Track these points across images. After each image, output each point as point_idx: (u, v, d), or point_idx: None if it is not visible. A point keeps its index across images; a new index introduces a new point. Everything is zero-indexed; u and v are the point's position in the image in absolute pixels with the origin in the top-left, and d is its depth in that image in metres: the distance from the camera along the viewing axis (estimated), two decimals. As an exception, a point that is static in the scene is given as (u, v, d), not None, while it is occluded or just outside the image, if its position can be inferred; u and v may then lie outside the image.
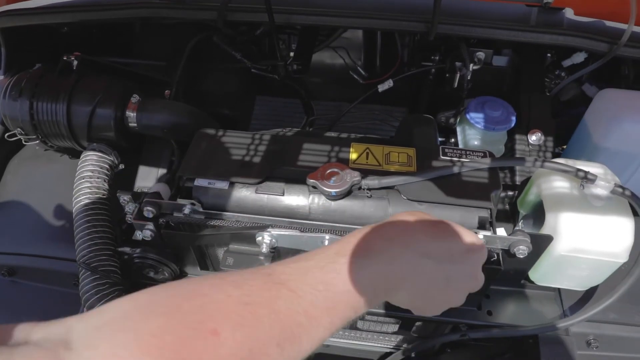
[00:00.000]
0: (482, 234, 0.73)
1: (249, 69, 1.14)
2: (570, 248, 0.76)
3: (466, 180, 0.76)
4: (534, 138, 0.97)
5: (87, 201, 0.88)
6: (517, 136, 0.99)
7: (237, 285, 0.43)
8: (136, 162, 1.02)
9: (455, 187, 0.75)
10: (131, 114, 0.94)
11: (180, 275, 0.87)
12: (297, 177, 0.76)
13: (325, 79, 1.36)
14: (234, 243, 0.78)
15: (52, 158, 1.10)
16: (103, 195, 0.90)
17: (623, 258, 0.76)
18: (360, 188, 0.75)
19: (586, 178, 0.76)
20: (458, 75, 0.98)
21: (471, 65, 0.96)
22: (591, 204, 0.76)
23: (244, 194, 0.77)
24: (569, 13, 0.91)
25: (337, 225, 0.76)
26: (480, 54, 1.00)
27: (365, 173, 0.76)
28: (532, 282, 0.85)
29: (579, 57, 1.07)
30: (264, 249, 0.74)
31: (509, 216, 0.96)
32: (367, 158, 0.79)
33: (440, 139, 1.04)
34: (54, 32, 1.16)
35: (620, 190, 0.74)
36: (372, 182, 0.74)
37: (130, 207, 0.80)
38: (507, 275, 0.87)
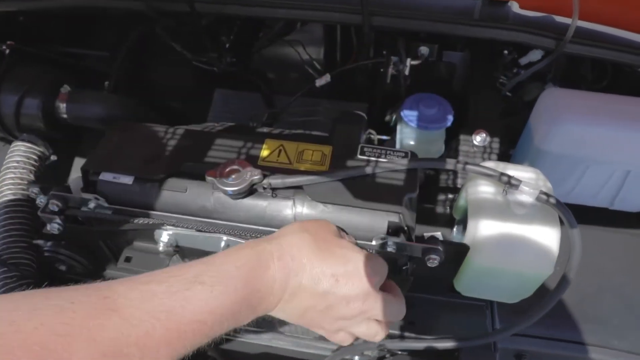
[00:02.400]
0: (390, 240, 0.68)
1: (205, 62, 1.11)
2: (489, 259, 0.71)
3: (379, 182, 0.72)
4: (479, 139, 0.92)
5: (8, 192, 0.87)
6: (462, 136, 0.94)
7: (59, 310, 0.39)
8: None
9: (367, 189, 0.71)
10: (61, 105, 0.92)
11: (96, 271, 0.85)
12: (201, 174, 0.73)
13: (289, 73, 1.32)
14: (136, 240, 0.76)
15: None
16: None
17: (547, 271, 0.71)
18: (264, 188, 0.71)
19: (509, 183, 0.70)
20: (390, 70, 0.93)
21: (409, 60, 0.91)
22: (514, 212, 0.71)
23: (148, 189, 0.74)
24: (514, 7, 0.85)
25: (239, 225, 0.72)
26: (424, 49, 0.94)
27: (273, 171, 0.72)
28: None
29: (535, 55, 1.01)
30: (161, 247, 0.71)
31: (452, 221, 0.91)
32: (278, 155, 0.75)
33: (384, 138, 1.00)
34: (11, 20, 1.16)
35: (544, 197, 0.69)
36: (275, 181, 0.70)
37: (41, 200, 0.79)
38: (431, 284, 0.82)
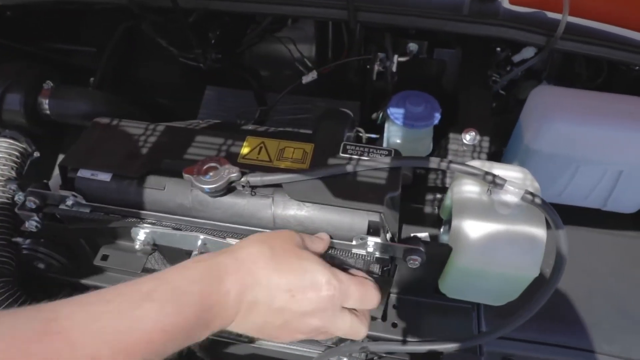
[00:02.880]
0: (370, 240, 0.67)
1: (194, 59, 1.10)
2: (472, 260, 0.69)
3: (361, 181, 0.70)
4: (468, 137, 0.90)
5: (-12, 189, 0.86)
6: (452, 135, 0.92)
7: None
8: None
9: (347, 188, 0.69)
10: (44, 101, 0.91)
11: (75, 270, 0.83)
12: (180, 172, 0.71)
13: (281, 70, 1.31)
14: (114, 238, 0.74)
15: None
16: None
17: (533, 272, 0.69)
18: (243, 186, 0.70)
19: (494, 182, 0.68)
20: (376, 66, 0.91)
21: (396, 56, 0.89)
22: (498, 212, 0.69)
23: (125, 187, 0.73)
24: (504, 2, 0.83)
25: (217, 223, 0.71)
26: (412, 46, 0.92)
27: (253, 169, 0.71)
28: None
29: (528, 52, 0.99)
30: (138, 245, 0.70)
31: (441, 222, 0.89)
32: (259, 153, 0.74)
33: (373, 137, 0.98)
34: (-1, 16, 1.15)
35: (530, 197, 0.67)
36: (254, 179, 0.69)
37: (19, 197, 0.78)
38: (415, 285, 0.80)
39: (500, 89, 1.06)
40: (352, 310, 0.56)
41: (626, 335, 0.80)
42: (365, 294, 0.56)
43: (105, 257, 0.73)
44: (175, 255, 0.73)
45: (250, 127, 0.90)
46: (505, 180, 0.68)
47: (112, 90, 1.02)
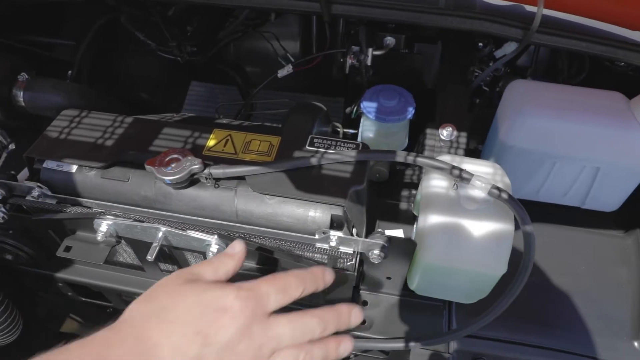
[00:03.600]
0: (333, 234, 0.66)
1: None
2: (437, 256, 0.68)
3: (325, 174, 0.69)
4: (445, 133, 0.88)
5: (-39, 180, 0.85)
6: (429, 130, 0.91)
7: None
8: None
9: (311, 181, 0.68)
10: (19, 93, 0.91)
11: (42, 262, 0.83)
12: (144, 163, 0.71)
13: (266, 66, 1.30)
14: (78, 230, 0.74)
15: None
16: (-18, 174, 0.87)
17: (499, 270, 0.67)
18: (206, 178, 0.69)
19: (461, 177, 0.67)
20: (349, 59, 0.89)
21: (370, 50, 0.88)
22: (464, 207, 0.68)
23: (90, 178, 0.72)
24: (481, -5, 0.82)
25: (180, 216, 0.70)
26: (389, 39, 0.91)
27: (217, 161, 0.70)
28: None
29: (510, 47, 0.97)
30: (99, 237, 0.69)
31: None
32: (224, 145, 0.73)
33: (352, 132, 0.97)
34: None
35: (496, 192, 0.65)
36: (216, 171, 0.68)
37: (-13, 189, 0.77)
38: (385, 282, 0.79)
39: (484, 86, 1.05)
40: (284, 313, 0.46)
41: (599, 337, 0.78)
42: (283, 284, 0.47)
43: (68, 249, 0.72)
44: (140, 247, 0.73)
45: (224, 121, 0.90)
46: (472, 175, 0.67)
47: (92, 83, 1.02)
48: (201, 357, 0.41)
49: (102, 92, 0.97)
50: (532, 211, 0.89)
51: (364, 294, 0.81)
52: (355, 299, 0.79)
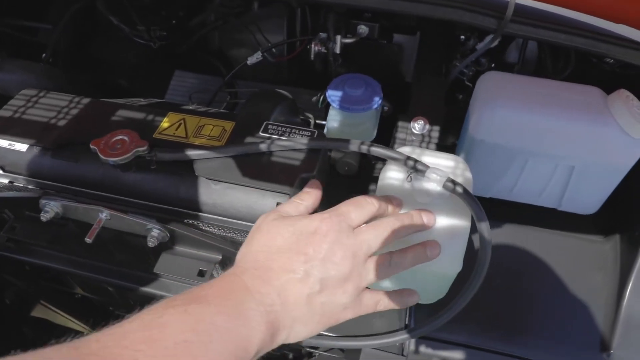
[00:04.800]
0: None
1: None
2: (387, 250, 0.64)
3: (274, 161, 0.66)
4: (417, 127, 0.85)
5: None
6: (400, 123, 0.87)
7: None
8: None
9: (259, 168, 0.65)
10: (-13, 73, 0.90)
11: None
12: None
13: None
14: (27, 210, 0.73)
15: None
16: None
17: (453, 268, 0.64)
18: (152, 161, 0.67)
19: (415, 168, 0.64)
20: (313, 46, 0.87)
21: (339, 37, 0.85)
22: (417, 200, 0.64)
23: (41, 158, 0.71)
24: (455, -18, 0.78)
25: (124, 199, 0.69)
26: (362, 28, 0.88)
27: (167, 145, 0.68)
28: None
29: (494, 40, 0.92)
30: (44, 217, 0.68)
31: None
32: (177, 129, 0.71)
33: (324, 123, 0.94)
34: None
35: (451, 185, 0.62)
36: (162, 154, 0.66)
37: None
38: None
39: (467, 81, 1.01)
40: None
41: (568, 346, 0.73)
42: (358, 201, 0.54)
43: (13, 228, 0.71)
44: (86, 230, 0.71)
45: (191, 107, 0.88)
46: (427, 167, 0.63)
47: (67, 68, 1.01)
48: (308, 272, 0.48)
49: (75, 77, 0.96)
50: (506, 211, 0.86)
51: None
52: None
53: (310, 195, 0.58)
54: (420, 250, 0.56)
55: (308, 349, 0.92)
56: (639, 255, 0.75)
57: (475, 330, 0.76)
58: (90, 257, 0.75)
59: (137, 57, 1.12)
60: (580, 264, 0.82)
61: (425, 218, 0.58)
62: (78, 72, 1.03)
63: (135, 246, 0.71)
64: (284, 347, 0.90)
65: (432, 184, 0.63)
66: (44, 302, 1.10)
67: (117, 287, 0.78)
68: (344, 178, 0.91)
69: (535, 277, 0.81)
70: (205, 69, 1.29)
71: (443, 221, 0.63)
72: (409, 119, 0.86)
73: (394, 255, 0.54)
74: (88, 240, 0.65)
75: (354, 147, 0.66)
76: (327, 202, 0.74)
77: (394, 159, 0.65)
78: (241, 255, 0.51)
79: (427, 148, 0.85)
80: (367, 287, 0.54)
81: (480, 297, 0.77)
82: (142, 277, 0.72)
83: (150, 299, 0.79)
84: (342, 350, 0.79)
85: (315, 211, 0.58)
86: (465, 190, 0.62)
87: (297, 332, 0.49)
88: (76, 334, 0.39)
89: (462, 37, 0.97)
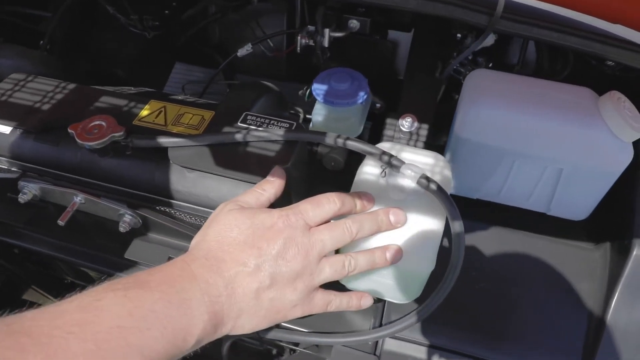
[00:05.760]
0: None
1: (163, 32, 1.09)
2: (356, 245, 0.63)
3: (249, 152, 0.66)
4: (405, 124, 0.83)
5: None
6: (389, 120, 0.86)
7: None
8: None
9: (233, 158, 0.65)
10: (-16, 58, 0.92)
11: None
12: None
13: (255, 49, 1.28)
14: (7, 192, 0.74)
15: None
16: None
17: (425, 267, 0.62)
18: (128, 146, 0.67)
19: (390, 164, 0.62)
20: (299, 38, 0.86)
21: (327, 30, 0.84)
22: (390, 196, 0.63)
23: (23, 140, 0.72)
24: (447, -23, 0.76)
25: (100, 183, 0.69)
26: (353, 22, 0.87)
27: (145, 131, 0.68)
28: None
29: (489, 39, 0.90)
30: (21, 198, 0.68)
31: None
32: (156, 117, 0.71)
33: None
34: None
35: (425, 182, 0.60)
36: (139, 141, 0.66)
37: None
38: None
39: (463, 79, 0.99)
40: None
41: (549, 356, 0.71)
42: (319, 200, 0.54)
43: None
44: (61, 212, 0.71)
45: (180, 97, 0.88)
46: (403, 163, 0.62)
47: (64, 56, 1.02)
48: (259, 266, 0.48)
49: (72, 65, 0.97)
50: (495, 214, 0.84)
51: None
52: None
53: (273, 184, 0.58)
54: (379, 254, 0.55)
55: (290, 346, 0.91)
56: (628, 264, 0.72)
57: (455, 334, 0.74)
58: (66, 240, 0.75)
59: (135, 48, 1.13)
60: (568, 270, 0.79)
61: (393, 217, 0.57)
62: (75, 61, 1.04)
63: (110, 231, 0.71)
64: (267, 342, 0.90)
65: (407, 181, 0.62)
66: (35, 287, 1.11)
67: (93, 270, 0.78)
68: (330, 173, 0.90)
69: (522, 282, 0.79)
70: (206, 62, 1.29)
71: (416, 218, 0.61)
72: (399, 116, 0.85)
73: (349, 257, 0.54)
74: (60, 222, 0.65)
75: (329, 140, 0.65)
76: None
77: (369, 154, 0.64)
78: (195, 242, 0.51)
79: (415, 146, 0.84)
80: (344, 287, 0.53)
81: (463, 300, 0.76)
82: (116, 262, 0.72)
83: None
84: (316, 345, 0.78)
85: (278, 204, 0.57)
86: (439, 187, 0.60)
87: (242, 325, 0.49)
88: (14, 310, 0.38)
89: (459, 35, 0.95)
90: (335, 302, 0.56)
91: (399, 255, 0.56)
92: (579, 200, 0.77)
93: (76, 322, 0.37)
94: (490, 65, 0.99)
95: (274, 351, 1.04)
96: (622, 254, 0.75)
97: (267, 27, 1.18)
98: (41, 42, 1.00)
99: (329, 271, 0.52)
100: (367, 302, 0.60)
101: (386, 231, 0.57)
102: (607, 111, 0.68)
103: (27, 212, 0.71)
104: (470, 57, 0.96)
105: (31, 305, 1.20)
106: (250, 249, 0.49)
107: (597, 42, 0.73)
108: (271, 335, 0.62)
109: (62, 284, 1.06)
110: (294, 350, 0.96)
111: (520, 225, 0.85)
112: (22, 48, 0.94)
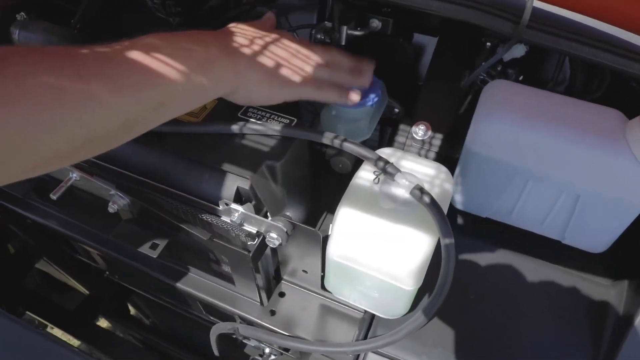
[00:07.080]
0: (235, 208, 0.61)
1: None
2: (342, 253, 0.60)
3: (244, 145, 0.64)
4: (418, 132, 0.79)
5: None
6: (402, 126, 0.82)
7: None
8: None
9: (229, 149, 0.63)
10: (15, 31, 0.94)
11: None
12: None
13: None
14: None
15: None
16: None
17: (408, 284, 0.59)
18: (126, 128, 0.66)
19: (384, 170, 0.59)
20: (313, 35, 0.83)
21: (344, 28, 0.81)
22: (381, 205, 0.59)
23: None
24: (474, -20, 0.72)
25: (96, 161, 0.69)
26: (375, 22, 0.83)
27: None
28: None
29: (519, 50, 0.85)
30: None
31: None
32: (159, 101, 0.70)
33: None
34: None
35: (418, 193, 0.57)
36: (136, 123, 0.65)
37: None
38: (302, 274, 0.72)
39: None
40: None
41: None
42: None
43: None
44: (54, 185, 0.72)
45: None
46: (398, 171, 0.59)
47: (94, 35, 1.04)
48: (226, 44, 0.58)
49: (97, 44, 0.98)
50: (505, 235, 0.79)
51: (284, 285, 0.75)
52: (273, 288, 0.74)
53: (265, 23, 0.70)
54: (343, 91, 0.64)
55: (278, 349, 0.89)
56: (644, 306, 0.66)
57: (446, 356, 0.70)
58: (61, 212, 0.76)
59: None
60: (578, 305, 0.73)
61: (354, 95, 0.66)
62: (102, 41, 1.05)
63: (104, 210, 0.72)
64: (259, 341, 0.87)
65: (401, 190, 0.58)
66: (47, 260, 1.14)
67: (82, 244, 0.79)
68: (337, 176, 0.87)
69: (525, 310, 0.74)
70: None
71: (406, 231, 0.58)
72: (413, 122, 0.81)
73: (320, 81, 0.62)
74: (52, 196, 0.65)
75: (326, 140, 0.62)
76: (320, 200, 0.71)
77: (365, 158, 0.61)
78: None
79: (426, 156, 0.80)
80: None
81: (458, 321, 0.72)
82: (108, 240, 0.72)
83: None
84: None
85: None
86: (432, 200, 0.56)
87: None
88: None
89: (489, 43, 0.90)
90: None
91: (356, 97, 0.65)
92: (597, 231, 0.71)
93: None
94: (521, 78, 0.94)
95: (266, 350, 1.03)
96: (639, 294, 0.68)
97: (296, 24, 1.16)
98: (72, 20, 1.02)
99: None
100: (354, 98, 0.65)
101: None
102: (633, 136, 0.62)
103: (27, 182, 0.73)
104: (499, 68, 0.91)
105: (43, 274, 1.24)
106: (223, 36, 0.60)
107: (635, 61, 0.67)
108: (250, 333, 0.60)
109: (73, 259, 1.08)
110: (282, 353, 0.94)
111: (530, 251, 0.80)
112: (50, 24, 0.96)
